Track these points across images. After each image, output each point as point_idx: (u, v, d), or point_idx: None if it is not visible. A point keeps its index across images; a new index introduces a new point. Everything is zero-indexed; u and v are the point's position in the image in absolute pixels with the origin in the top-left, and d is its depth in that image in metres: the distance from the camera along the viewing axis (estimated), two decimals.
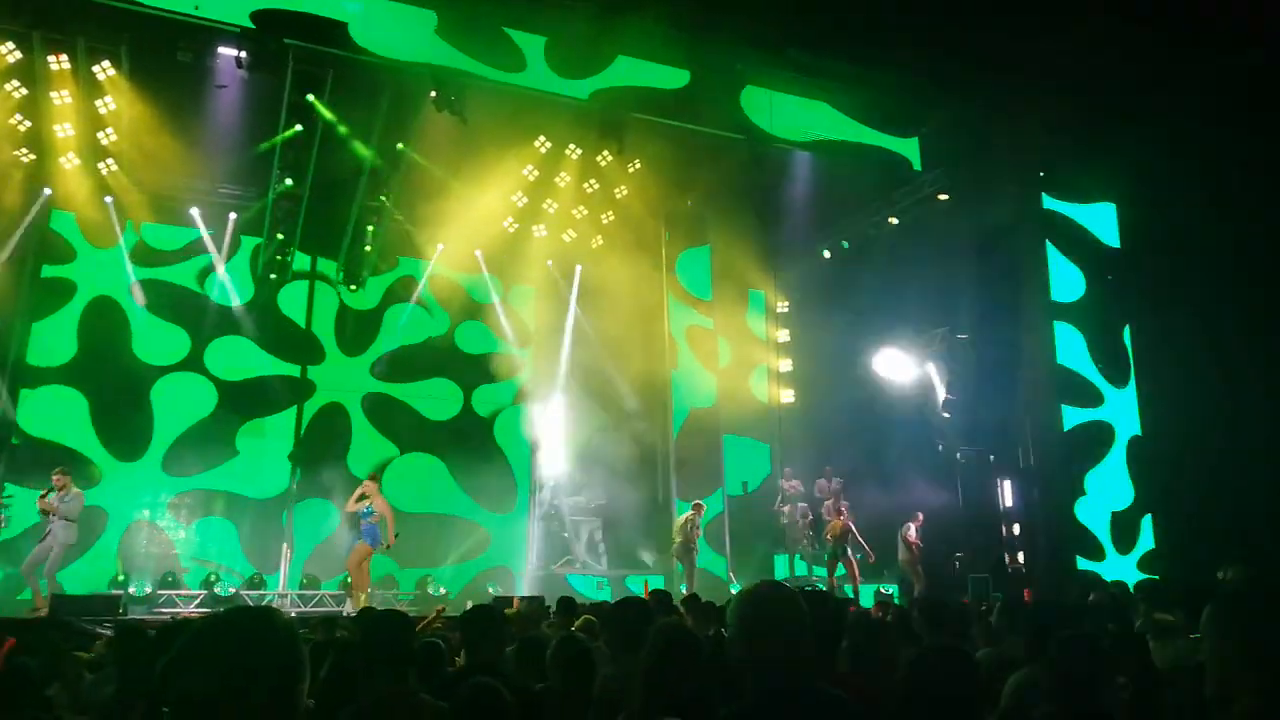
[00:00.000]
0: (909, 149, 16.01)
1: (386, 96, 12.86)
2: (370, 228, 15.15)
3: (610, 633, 4.85)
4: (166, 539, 13.96)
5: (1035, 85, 13.83)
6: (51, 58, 11.72)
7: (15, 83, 12.16)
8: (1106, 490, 14.87)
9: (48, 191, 13.85)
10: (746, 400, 17.33)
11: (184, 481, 14.32)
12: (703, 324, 16.87)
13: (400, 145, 13.60)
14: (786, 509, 15.48)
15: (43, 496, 11.09)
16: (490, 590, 14.41)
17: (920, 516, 14.31)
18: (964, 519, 15.10)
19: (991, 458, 15.16)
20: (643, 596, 8.52)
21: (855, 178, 15.83)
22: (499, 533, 16.03)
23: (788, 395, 17.66)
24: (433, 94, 12.64)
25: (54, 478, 11.12)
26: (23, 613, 10.79)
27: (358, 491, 12.60)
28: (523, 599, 9.40)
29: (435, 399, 16.34)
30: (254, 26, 11.85)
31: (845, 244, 16.93)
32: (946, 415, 15.17)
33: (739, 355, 17.34)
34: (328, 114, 12.80)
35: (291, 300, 15.92)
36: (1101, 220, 16.13)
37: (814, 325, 17.02)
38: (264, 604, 10.60)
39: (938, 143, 15.77)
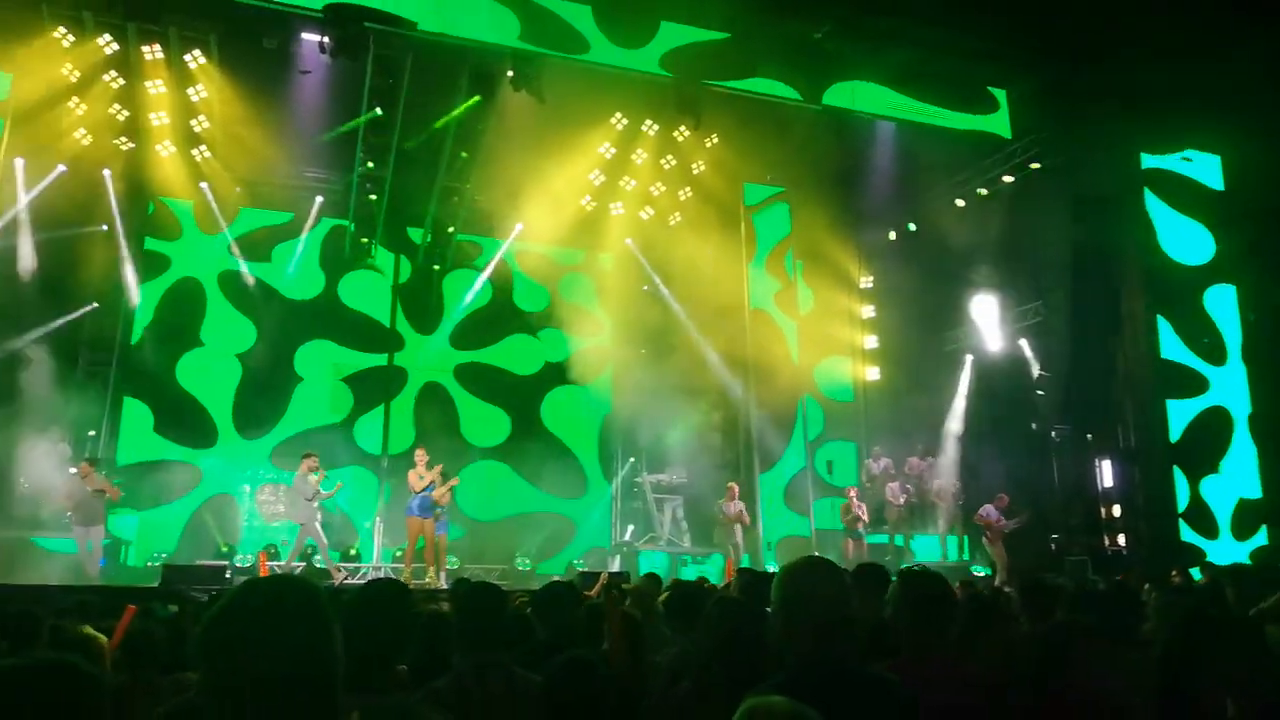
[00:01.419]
0: (997, 117, 15.37)
1: (465, 78, 12.91)
2: (451, 209, 15.33)
3: (670, 608, 4.89)
4: (266, 513, 14.50)
5: (1126, 36, 13.06)
6: (146, 48, 12.12)
7: (113, 73, 12.61)
8: (1230, 473, 14.17)
9: (145, 178, 14.36)
10: (828, 378, 16.99)
11: (283, 475, 14.85)
12: (784, 300, 16.57)
13: (480, 127, 13.64)
14: (890, 486, 15.11)
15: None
16: (575, 565, 14.57)
17: (1004, 498, 13.76)
18: (1059, 499, 14.57)
19: (1089, 436, 14.59)
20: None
21: (941, 147, 15.30)
22: (581, 515, 16.22)
23: (873, 372, 17.25)
24: (510, 74, 12.64)
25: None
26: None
27: (423, 470, 12.54)
28: (611, 574, 9.42)
29: (520, 356, 16.67)
30: (331, 14, 11.97)
31: (931, 217, 16.43)
32: (1041, 392, 14.63)
33: (821, 332, 16.98)
34: (408, 96, 12.93)
35: (374, 281, 16.28)
36: (1207, 174, 15.30)
37: (899, 301, 16.56)
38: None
39: (1028, 108, 15.11)
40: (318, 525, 11.94)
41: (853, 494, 14.26)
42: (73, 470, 13.02)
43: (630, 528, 15.56)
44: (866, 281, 17.67)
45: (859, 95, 14.35)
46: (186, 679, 3.81)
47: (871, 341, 17.41)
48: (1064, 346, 14.75)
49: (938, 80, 14.59)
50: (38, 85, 12.26)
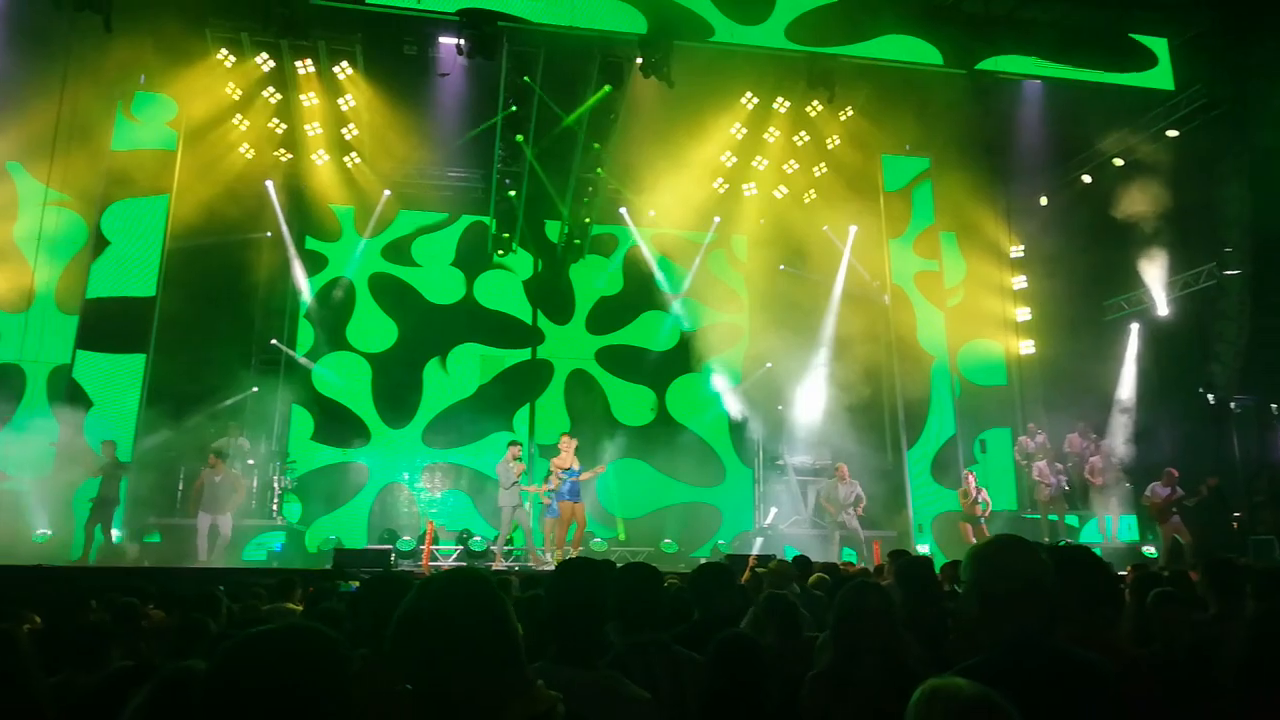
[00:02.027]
0: (1158, 71, 14.26)
1: (596, 69, 13.06)
2: (586, 199, 15.59)
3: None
4: (424, 498, 15.27)
5: None
6: (298, 63, 12.87)
7: (270, 89, 13.48)
8: None
9: (304, 186, 15.32)
10: (981, 352, 16.27)
11: (437, 454, 15.71)
12: (928, 273, 15.95)
13: (613, 116, 13.77)
14: (1037, 466, 14.38)
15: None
16: (719, 547, 14.61)
17: (1174, 473, 12.76)
18: (1241, 475, 13.49)
19: (1274, 407, 13.43)
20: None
21: (1095, 104, 14.37)
22: (724, 500, 16.27)
23: (1027, 345, 16.40)
24: (639, 61, 12.69)
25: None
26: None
27: (568, 456, 12.82)
28: (759, 557, 9.37)
29: (656, 332, 16.97)
30: (467, 16, 12.32)
31: (1086, 178, 15.46)
32: (1219, 364, 13.57)
33: (970, 305, 16.26)
34: (541, 91, 13.21)
35: (516, 273, 16.81)
36: None
37: (1054, 269, 15.65)
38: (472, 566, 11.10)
39: (1192, 56, 13.95)
40: (522, 510, 12.40)
41: (970, 478, 13.65)
42: (250, 463, 14.12)
43: (774, 510, 15.44)
44: (1017, 251, 16.79)
45: (1004, 57, 13.66)
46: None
47: (1024, 313, 16.55)
48: (1242, 310, 13.61)
49: (1090, 38, 13.70)
50: (205, 106, 13.25)
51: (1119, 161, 14.80)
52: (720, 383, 16.56)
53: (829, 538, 13.57)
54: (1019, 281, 16.62)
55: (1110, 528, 14.25)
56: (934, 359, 15.30)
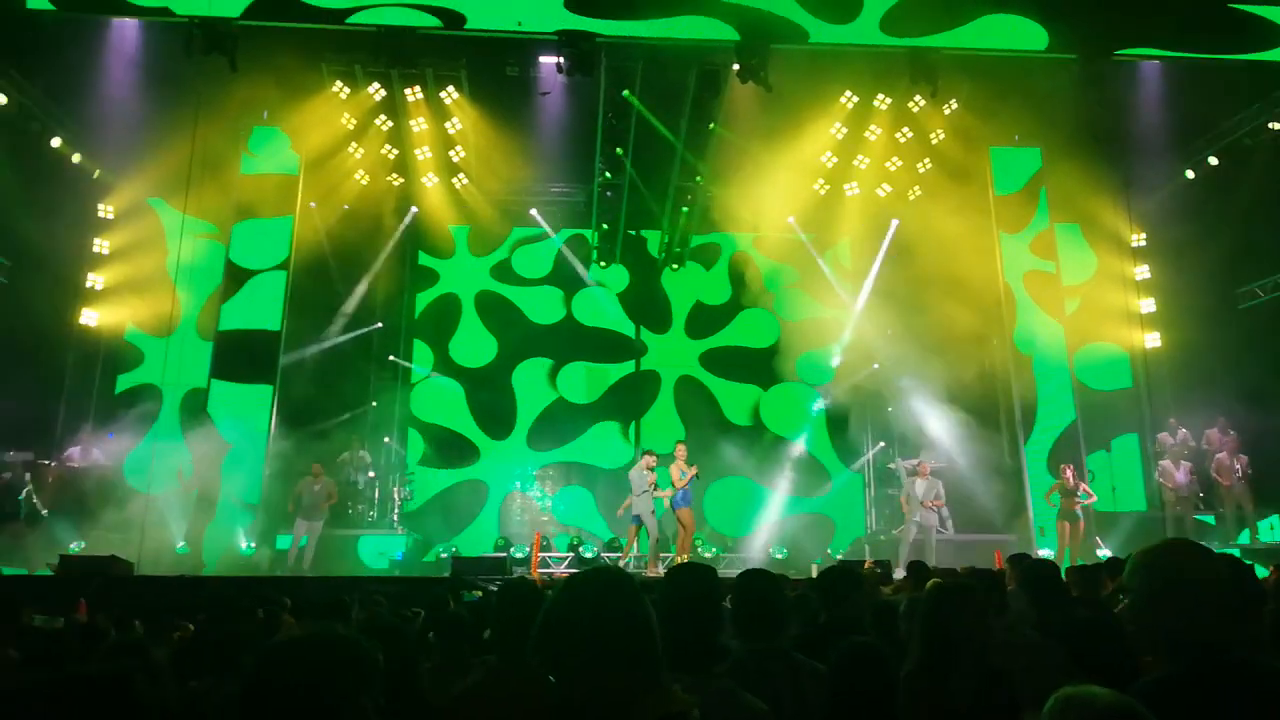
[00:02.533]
0: None
1: (693, 76, 13.11)
2: (685, 208, 15.67)
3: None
4: (536, 506, 15.57)
5: None
6: (408, 90, 13.40)
7: (383, 117, 14.07)
8: None
9: (414, 210, 15.95)
10: (1101, 347, 15.54)
11: (546, 455, 16.10)
12: (1043, 268, 15.32)
13: (711, 125, 13.78)
14: (1161, 465, 13.63)
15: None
16: (830, 553, 14.42)
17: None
18: None
19: None
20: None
21: (1222, 79, 13.57)
22: (833, 508, 16.03)
23: (1153, 339, 15.57)
24: (736, 67, 12.67)
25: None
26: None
27: (684, 464, 12.85)
28: (875, 562, 9.23)
29: (754, 331, 17.09)
30: (565, 35, 12.55)
31: (1214, 159, 14.61)
32: None
33: (1088, 298, 15.54)
34: (639, 104, 13.35)
35: (612, 287, 17.10)
36: None
37: (1181, 257, 14.83)
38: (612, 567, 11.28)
39: None
40: (653, 519, 12.53)
41: (1068, 471, 12.95)
42: (372, 475, 14.72)
43: (887, 514, 15.14)
44: (1139, 240, 15.97)
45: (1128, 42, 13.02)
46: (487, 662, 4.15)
47: (1149, 305, 15.73)
48: None
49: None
50: (323, 136, 13.94)
51: (1249, 140, 13.94)
52: (824, 388, 16.39)
53: (918, 538, 13.12)
54: (1141, 272, 15.81)
55: (1251, 529, 13.39)
56: (1052, 354, 14.70)
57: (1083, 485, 12.85)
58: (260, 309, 13.80)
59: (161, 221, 14.56)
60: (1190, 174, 14.98)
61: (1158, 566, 2.23)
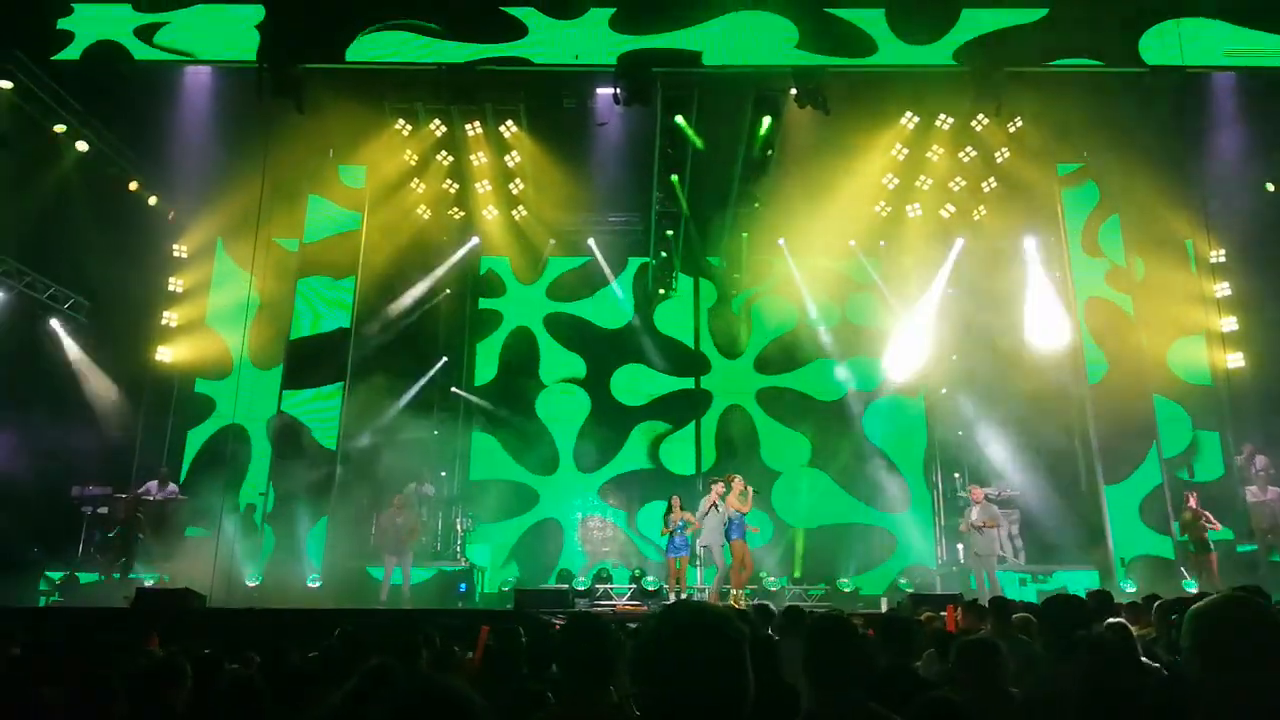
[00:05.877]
0: None
1: (750, 103, 13.05)
2: (745, 234, 15.57)
3: (1045, 635, 4.80)
4: (599, 532, 15.69)
5: None
6: (468, 126, 13.58)
7: (443, 153, 14.29)
8: None
9: (475, 240, 16.18)
10: (1180, 368, 14.91)
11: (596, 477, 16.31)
12: (1116, 286, 14.78)
13: (769, 151, 13.64)
14: (1250, 489, 12.97)
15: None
16: (901, 587, 14.02)
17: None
18: None
19: None
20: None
21: None
22: (903, 529, 15.70)
23: (1235, 359, 14.87)
24: (793, 92, 12.55)
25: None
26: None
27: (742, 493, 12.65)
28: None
29: (819, 380, 16.85)
30: (622, 65, 12.57)
31: None
32: None
33: (1166, 317, 14.91)
34: (694, 134, 13.29)
35: (678, 312, 17.04)
36: None
37: (1264, 273, 14.17)
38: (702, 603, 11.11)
39: None
40: (721, 551, 12.37)
41: (1192, 500, 12.40)
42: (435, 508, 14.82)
43: (959, 546, 14.66)
44: (1218, 255, 15.33)
45: (1188, 48, 12.58)
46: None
47: (1230, 323, 15.05)
48: None
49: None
50: (387, 173, 14.21)
51: None
52: (905, 410, 16.15)
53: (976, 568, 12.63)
54: (1222, 289, 15.15)
55: None
56: (1131, 380, 14.11)
57: (1206, 514, 12.33)
58: (322, 360, 13.93)
59: (229, 262, 15.02)
60: (1271, 186, 14.36)
61: (1209, 623, 2.14)
